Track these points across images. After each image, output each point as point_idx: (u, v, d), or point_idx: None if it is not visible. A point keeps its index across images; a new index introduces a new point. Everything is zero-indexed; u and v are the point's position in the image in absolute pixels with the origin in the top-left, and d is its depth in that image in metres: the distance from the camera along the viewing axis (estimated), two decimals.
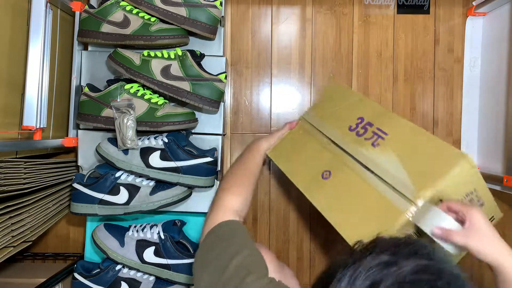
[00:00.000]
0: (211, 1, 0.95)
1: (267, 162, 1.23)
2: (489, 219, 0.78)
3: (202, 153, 0.95)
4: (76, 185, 0.93)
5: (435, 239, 0.66)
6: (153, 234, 0.95)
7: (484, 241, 0.71)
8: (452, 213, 0.68)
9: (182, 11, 0.93)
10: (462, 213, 0.68)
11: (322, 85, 1.23)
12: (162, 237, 0.94)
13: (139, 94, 0.94)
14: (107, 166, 0.94)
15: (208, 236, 0.70)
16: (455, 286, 0.43)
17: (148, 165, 0.91)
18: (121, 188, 0.92)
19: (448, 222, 0.66)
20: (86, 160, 1.03)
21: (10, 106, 0.87)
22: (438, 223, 0.66)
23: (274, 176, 1.23)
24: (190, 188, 0.97)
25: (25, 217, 0.90)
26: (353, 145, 0.81)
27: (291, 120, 0.99)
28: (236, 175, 0.85)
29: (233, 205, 0.76)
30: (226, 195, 0.78)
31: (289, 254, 1.24)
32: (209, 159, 0.94)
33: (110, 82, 0.95)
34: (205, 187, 0.95)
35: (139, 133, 0.95)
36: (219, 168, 1.03)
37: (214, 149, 0.99)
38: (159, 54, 0.94)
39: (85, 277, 0.94)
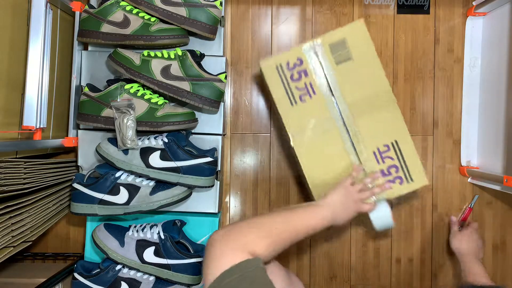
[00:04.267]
0: (211, 1, 0.95)
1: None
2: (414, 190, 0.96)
3: (202, 153, 0.95)
4: (76, 185, 0.93)
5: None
6: (153, 234, 0.95)
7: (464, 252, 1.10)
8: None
9: (182, 11, 0.93)
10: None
11: None
12: (162, 237, 0.94)
13: (139, 94, 0.94)
14: (107, 166, 0.94)
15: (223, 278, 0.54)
16: None
17: (148, 165, 0.91)
18: (121, 188, 0.92)
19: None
20: (86, 160, 1.03)
21: (10, 106, 0.87)
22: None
23: (274, 176, 1.23)
24: (190, 188, 0.97)
25: (25, 217, 0.90)
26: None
27: None
28: (277, 224, 0.68)
29: (257, 251, 0.60)
30: (253, 236, 0.62)
31: (289, 254, 1.24)
32: (209, 159, 0.94)
33: (110, 82, 0.95)
34: (205, 187, 0.95)
35: (139, 133, 0.95)
36: (219, 168, 1.03)
37: (214, 149, 0.99)
38: (159, 54, 0.94)
39: (85, 277, 0.94)
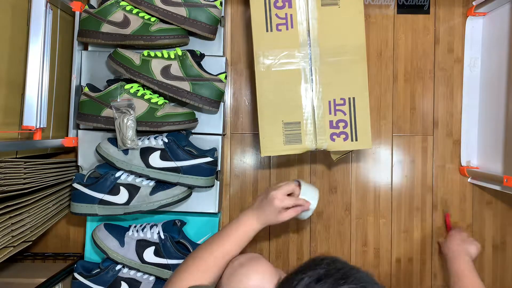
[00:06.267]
0: (211, 1, 0.95)
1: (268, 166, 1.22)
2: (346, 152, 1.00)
3: (202, 153, 0.95)
4: (76, 185, 0.93)
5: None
6: (153, 234, 0.95)
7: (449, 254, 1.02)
8: None
9: (182, 11, 0.93)
10: None
11: None
12: (162, 237, 0.94)
13: (139, 94, 0.94)
14: (107, 166, 0.94)
15: None
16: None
17: (148, 165, 0.91)
18: (121, 188, 0.92)
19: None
20: (86, 160, 1.03)
21: (10, 106, 0.87)
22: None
23: (274, 176, 1.23)
24: (190, 188, 0.97)
25: (25, 217, 0.90)
26: None
27: None
28: (202, 259, 0.75)
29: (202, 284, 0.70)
30: (193, 277, 0.71)
31: (289, 254, 1.24)
32: (209, 159, 0.94)
33: (110, 82, 0.95)
34: (205, 187, 0.95)
35: (139, 133, 0.95)
36: (219, 168, 1.03)
37: (214, 149, 0.99)
38: (159, 54, 0.94)
39: (85, 277, 0.94)
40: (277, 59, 0.92)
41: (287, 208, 0.83)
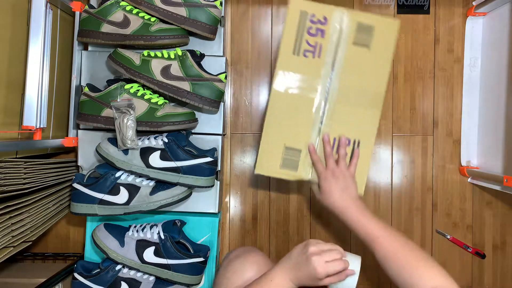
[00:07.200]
0: (211, 1, 0.95)
1: None
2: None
3: (202, 153, 0.95)
4: (76, 185, 0.93)
5: None
6: (153, 234, 0.95)
7: (330, 200, 0.83)
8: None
9: (182, 11, 0.93)
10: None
11: None
12: (162, 237, 0.94)
13: (139, 94, 0.94)
14: (107, 166, 0.94)
15: None
16: None
17: (148, 165, 0.91)
18: (121, 188, 0.92)
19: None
20: (86, 160, 1.03)
21: (10, 106, 0.87)
22: None
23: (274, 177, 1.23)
24: (190, 188, 0.97)
25: (25, 217, 0.90)
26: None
27: None
28: None
29: None
30: None
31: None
32: (209, 159, 0.94)
33: (110, 82, 0.95)
34: (205, 187, 0.95)
35: (139, 133, 0.95)
36: (219, 168, 1.03)
37: (214, 149, 0.99)
38: (159, 54, 0.94)
39: (85, 277, 0.94)
40: (296, 83, 0.91)
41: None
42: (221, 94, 0.96)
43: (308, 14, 0.90)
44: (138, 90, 0.94)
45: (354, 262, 0.76)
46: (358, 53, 0.91)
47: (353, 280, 0.75)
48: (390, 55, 0.91)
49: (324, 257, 0.69)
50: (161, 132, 0.96)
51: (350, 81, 0.91)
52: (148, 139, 0.93)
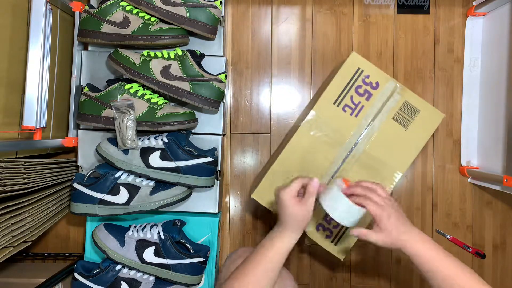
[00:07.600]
0: (211, 1, 0.95)
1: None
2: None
3: (202, 153, 0.95)
4: (76, 185, 0.93)
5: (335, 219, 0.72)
6: (153, 234, 0.95)
7: (393, 236, 0.71)
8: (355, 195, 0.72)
9: (182, 11, 0.93)
10: (365, 203, 0.71)
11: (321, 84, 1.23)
12: (162, 237, 0.94)
13: (139, 94, 0.94)
14: (107, 166, 0.94)
15: None
16: None
17: (148, 165, 0.91)
18: (121, 188, 0.92)
19: (344, 203, 0.71)
20: (86, 160, 1.03)
21: (10, 106, 0.87)
22: (336, 204, 0.71)
23: None
24: (190, 188, 0.97)
25: (25, 217, 0.90)
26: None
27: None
28: (256, 271, 0.73)
29: None
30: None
31: (290, 254, 1.23)
32: (209, 159, 0.94)
33: (110, 82, 0.95)
34: (205, 187, 0.95)
35: (139, 133, 0.95)
36: (219, 168, 1.03)
37: (214, 149, 0.99)
38: (159, 54, 0.94)
39: (85, 277, 0.94)
40: (325, 130, 0.92)
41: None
42: (221, 94, 0.96)
43: (364, 72, 0.92)
44: (138, 90, 0.94)
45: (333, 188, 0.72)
46: (394, 129, 0.92)
47: (336, 191, 0.72)
48: (423, 143, 0.92)
49: (286, 187, 0.72)
50: (161, 132, 0.96)
51: (375, 151, 0.92)
52: (148, 139, 0.93)
